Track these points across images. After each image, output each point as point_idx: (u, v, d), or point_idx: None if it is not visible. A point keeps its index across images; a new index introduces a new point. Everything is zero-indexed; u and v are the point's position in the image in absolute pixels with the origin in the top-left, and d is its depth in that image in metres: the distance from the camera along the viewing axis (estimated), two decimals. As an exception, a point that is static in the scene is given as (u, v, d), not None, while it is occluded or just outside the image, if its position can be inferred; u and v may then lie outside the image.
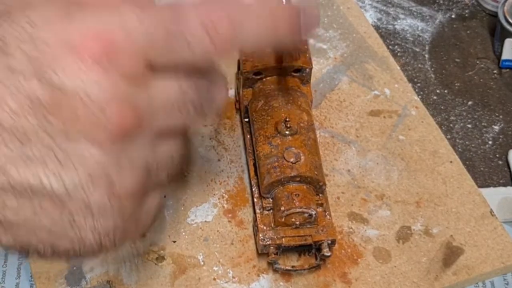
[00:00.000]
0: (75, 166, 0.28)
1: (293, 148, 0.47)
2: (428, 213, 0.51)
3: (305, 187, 0.46)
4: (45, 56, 0.28)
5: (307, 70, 0.51)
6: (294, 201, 0.46)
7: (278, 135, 0.47)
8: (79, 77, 0.28)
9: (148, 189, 0.33)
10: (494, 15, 0.64)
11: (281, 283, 0.47)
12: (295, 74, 0.51)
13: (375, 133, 0.55)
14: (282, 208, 0.46)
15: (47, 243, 0.30)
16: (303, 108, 0.49)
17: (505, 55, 0.62)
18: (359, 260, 0.48)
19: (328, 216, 0.47)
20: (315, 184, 0.47)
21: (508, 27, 0.61)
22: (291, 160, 0.46)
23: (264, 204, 0.47)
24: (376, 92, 0.58)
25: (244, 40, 0.32)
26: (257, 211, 0.48)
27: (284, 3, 0.40)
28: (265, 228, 0.46)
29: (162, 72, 0.31)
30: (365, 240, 0.49)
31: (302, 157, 0.46)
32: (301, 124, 0.48)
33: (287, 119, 0.47)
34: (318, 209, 0.47)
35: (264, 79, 0.51)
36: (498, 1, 0.64)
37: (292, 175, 0.46)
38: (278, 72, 0.50)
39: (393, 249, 0.49)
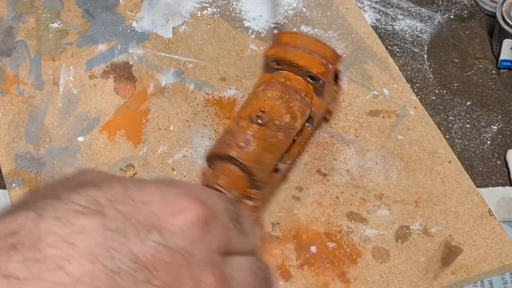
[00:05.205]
0: None
1: (251, 135, 0.47)
2: (426, 213, 0.51)
3: (240, 173, 0.47)
4: (145, 215, 0.27)
5: (320, 81, 0.51)
6: (220, 177, 0.46)
7: (248, 119, 0.48)
8: (182, 238, 0.27)
9: None
10: (493, 16, 0.64)
11: (280, 282, 0.47)
12: (309, 80, 0.51)
13: (374, 133, 0.56)
14: (207, 174, 0.47)
15: None
16: (292, 111, 0.49)
17: (503, 56, 0.62)
18: (358, 259, 0.49)
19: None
20: (250, 176, 0.47)
21: (506, 27, 0.61)
22: (241, 143, 0.47)
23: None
24: (375, 92, 0.58)
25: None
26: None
27: None
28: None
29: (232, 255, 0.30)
30: (364, 239, 0.50)
31: (252, 147, 0.46)
32: (276, 122, 0.48)
33: (263, 110, 0.48)
34: (247, 201, 0.47)
35: (281, 71, 0.51)
36: (496, 2, 0.64)
37: (231, 155, 0.46)
38: (295, 71, 0.51)
39: (392, 249, 0.49)
